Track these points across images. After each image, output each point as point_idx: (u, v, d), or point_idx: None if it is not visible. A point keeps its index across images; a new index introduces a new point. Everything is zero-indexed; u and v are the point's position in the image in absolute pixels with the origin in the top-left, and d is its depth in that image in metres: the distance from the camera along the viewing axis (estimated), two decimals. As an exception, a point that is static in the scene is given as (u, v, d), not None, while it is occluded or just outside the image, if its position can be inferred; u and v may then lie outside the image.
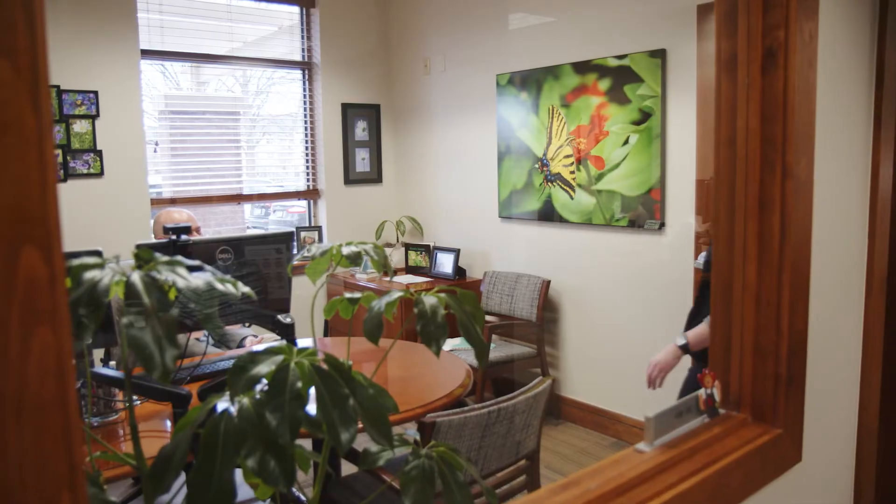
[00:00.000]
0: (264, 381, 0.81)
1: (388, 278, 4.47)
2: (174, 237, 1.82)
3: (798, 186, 1.22)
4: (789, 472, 1.30)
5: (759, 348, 1.28)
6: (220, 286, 0.85)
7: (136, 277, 0.77)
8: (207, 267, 0.84)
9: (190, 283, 0.79)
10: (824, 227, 1.33)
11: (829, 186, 1.34)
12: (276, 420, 0.79)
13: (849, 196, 1.47)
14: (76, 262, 0.74)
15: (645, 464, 1.10)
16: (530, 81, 3.96)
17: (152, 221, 2.94)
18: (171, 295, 0.78)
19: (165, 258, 0.80)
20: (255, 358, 0.86)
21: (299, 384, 0.82)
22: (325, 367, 0.82)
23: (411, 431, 0.99)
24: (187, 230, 1.84)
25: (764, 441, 1.23)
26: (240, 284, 0.87)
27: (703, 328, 2.13)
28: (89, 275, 0.73)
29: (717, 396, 1.31)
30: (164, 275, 0.78)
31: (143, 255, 0.81)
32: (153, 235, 2.88)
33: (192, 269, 0.84)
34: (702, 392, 1.30)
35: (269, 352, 0.85)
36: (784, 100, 1.19)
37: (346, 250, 1.00)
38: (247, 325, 2.75)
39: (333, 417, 0.81)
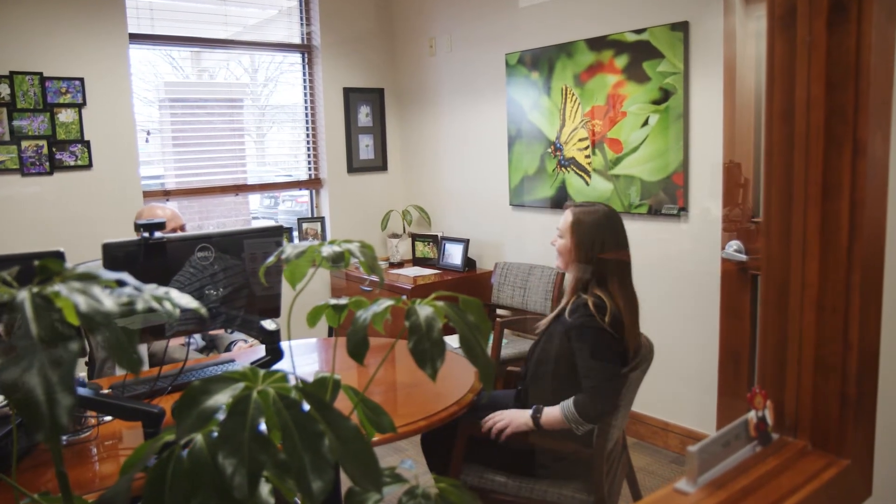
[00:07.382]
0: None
1: (393, 270, 4.28)
2: (146, 234, 1.63)
3: (872, 167, 1.00)
4: (858, 510, 1.09)
5: (822, 363, 1.07)
6: (155, 305, 0.66)
7: (23, 297, 0.58)
8: (131, 281, 0.65)
9: (101, 307, 0.60)
10: (899, 216, 1.12)
11: (907, 167, 1.12)
12: (230, 467, 0.61)
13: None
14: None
15: (690, 511, 0.90)
16: (542, 60, 3.73)
17: (135, 218, 2.76)
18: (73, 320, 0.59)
19: (78, 271, 0.61)
20: (209, 386, 0.68)
21: (262, 420, 0.65)
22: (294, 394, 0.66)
23: (407, 463, 0.80)
24: (160, 226, 1.64)
25: (831, 476, 1.02)
26: (187, 299, 0.68)
27: (556, 412, 2.03)
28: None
29: (770, 420, 1.11)
30: (67, 293, 0.59)
31: (51, 267, 0.62)
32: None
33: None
34: (752, 415, 1.09)
35: (227, 378, 0.67)
36: (857, 61, 0.97)
37: (326, 251, 0.83)
38: (229, 330, 2.54)
39: (304, 462, 0.63)
